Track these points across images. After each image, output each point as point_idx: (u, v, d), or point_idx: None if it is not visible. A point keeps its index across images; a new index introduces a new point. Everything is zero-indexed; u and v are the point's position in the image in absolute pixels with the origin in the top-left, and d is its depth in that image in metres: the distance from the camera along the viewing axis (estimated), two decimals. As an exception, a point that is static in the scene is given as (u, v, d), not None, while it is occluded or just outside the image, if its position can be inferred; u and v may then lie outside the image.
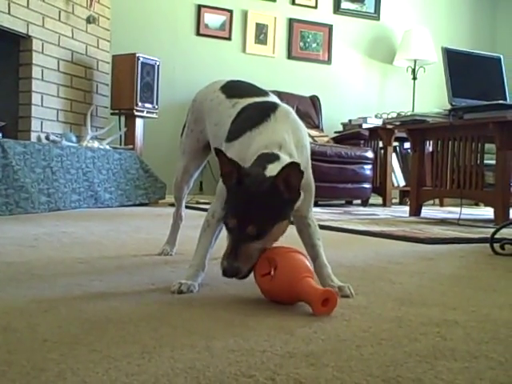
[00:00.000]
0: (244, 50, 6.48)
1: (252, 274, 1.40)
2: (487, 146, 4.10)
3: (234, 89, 1.83)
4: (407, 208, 4.75)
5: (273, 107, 1.57)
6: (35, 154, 4.06)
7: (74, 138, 4.84)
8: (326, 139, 6.00)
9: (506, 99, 4.25)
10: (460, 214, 3.87)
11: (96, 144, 4.95)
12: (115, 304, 1.34)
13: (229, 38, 6.39)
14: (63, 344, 1.02)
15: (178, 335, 1.09)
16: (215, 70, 6.03)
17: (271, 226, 1.36)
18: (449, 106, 4.24)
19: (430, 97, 7.03)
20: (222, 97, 1.80)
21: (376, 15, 7.21)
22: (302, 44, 6.80)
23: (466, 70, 4.39)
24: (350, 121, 6.56)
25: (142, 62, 5.31)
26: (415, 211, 4.48)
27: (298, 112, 1.63)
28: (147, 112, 5.40)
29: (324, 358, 0.97)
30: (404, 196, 6.68)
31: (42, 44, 4.77)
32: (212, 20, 6.31)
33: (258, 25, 6.52)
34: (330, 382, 0.87)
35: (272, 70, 6.54)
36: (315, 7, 6.86)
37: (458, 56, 4.48)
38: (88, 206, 4.50)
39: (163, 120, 5.62)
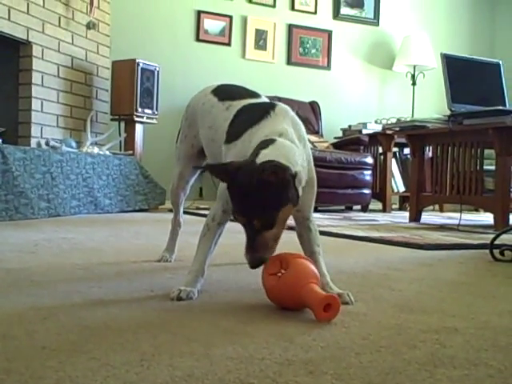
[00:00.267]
0: (244, 55, 6.49)
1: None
2: (487, 151, 4.11)
3: (225, 92, 1.84)
4: (407, 214, 4.75)
5: (272, 106, 1.58)
6: (35, 160, 4.06)
7: (73, 144, 4.84)
8: (325, 145, 6.01)
9: (505, 105, 4.26)
10: (460, 219, 3.87)
11: (96, 150, 4.95)
12: (114, 311, 1.34)
13: (228, 44, 6.40)
14: (62, 351, 1.02)
15: (176, 342, 1.09)
16: (215, 75, 6.03)
17: (275, 215, 1.37)
18: (448, 112, 4.24)
19: (430, 102, 7.05)
20: (214, 100, 1.82)
21: (375, 21, 7.22)
22: (301, 50, 6.81)
23: (465, 76, 4.40)
24: (349, 126, 6.57)
25: (142, 68, 5.31)
26: (415, 217, 4.48)
27: (298, 117, 1.63)
28: (147, 118, 5.41)
29: (323, 366, 0.97)
30: (404, 202, 6.68)
31: (42, 50, 4.78)
32: (212, 26, 6.32)
33: (257, 30, 6.54)
34: (328, 390, 0.87)
35: (271, 76, 6.56)
36: (315, 13, 6.87)
37: (457, 62, 4.49)
38: (88, 212, 4.50)
39: (163, 126, 5.63)
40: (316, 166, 1.60)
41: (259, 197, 1.35)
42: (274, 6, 6.63)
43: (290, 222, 1.49)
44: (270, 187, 1.33)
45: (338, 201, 5.73)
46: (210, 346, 1.07)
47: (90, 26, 5.27)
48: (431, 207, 5.96)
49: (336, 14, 6.99)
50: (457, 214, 4.06)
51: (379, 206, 6.22)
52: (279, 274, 1.36)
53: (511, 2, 7.78)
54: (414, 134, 4.48)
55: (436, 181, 4.40)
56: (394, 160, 6.37)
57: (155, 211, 5.16)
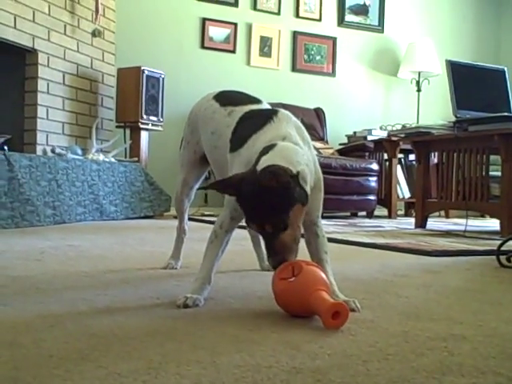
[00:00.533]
0: (248, 62, 6.51)
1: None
2: (492, 157, 4.10)
3: (227, 97, 1.85)
4: (413, 220, 4.73)
5: (274, 111, 1.59)
6: (41, 167, 4.07)
7: (79, 151, 4.86)
8: (330, 151, 6.01)
9: (510, 111, 4.25)
10: (466, 225, 3.86)
11: (101, 157, 4.96)
12: (120, 319, 1.34)
13: (233, 51, 6.42)
14: (69, 360, 1.02)
15: (183, 350, 1.09)
16: (220, 82, 6.03)
17: (285, 217, 1.37)
18: (453, 118, 4.23)
19: (435, 109, 7.03)
20: (215, 105, 1.82)
21: (380, 28, 7.23)
22: (306, 57, 6.82)
23: (470, 83, 4.39)
24: (354, 133, 6.56)
25: (147, 75, 5.33)
26: (421, 223, 4.47)
27: (302, 124, 1.63)
28: (152, 125, 5.42)
29: (330, 374, 0.97)
30: (409, 208, 6.66)
31: (48, 58, 4.80)
32: (216, 33, 6.34)
33: (262, 38, 6.55)
34: (336, 399, 0.86)
35: (276, 83, 6.57)
36: (319, 20, 6.89)
37: (462, 68, 4.49)
38: (93, 219, 4.51)
39: (168, 132, 5.64)
40: (321, 172, 1.59)
41: (265, 203, 1.36)
42: (278, 13, 6.65)
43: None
44: (272, 192, 1.34)
45: (344, 207, 5.73)
46: (217, 354, 1.06)
47: (95, 33, 5.29)
48: (437, 213, 5.94)
49: (341, 21, 7.01)
50: (463, 220, 4.05)
51: (385, 212, 6.21)
52: (290, 280, 1.35)
53: (516, 8, 7.78)
54: (420, 140, 4.48)
55: (442, 187, 4.39)
56: (399, 166, 6.37)
57: (160, 218, 5.16)
